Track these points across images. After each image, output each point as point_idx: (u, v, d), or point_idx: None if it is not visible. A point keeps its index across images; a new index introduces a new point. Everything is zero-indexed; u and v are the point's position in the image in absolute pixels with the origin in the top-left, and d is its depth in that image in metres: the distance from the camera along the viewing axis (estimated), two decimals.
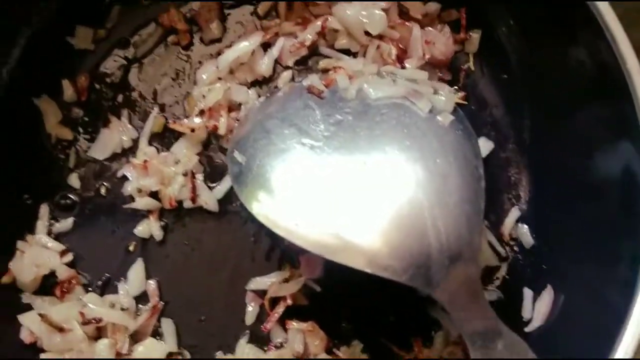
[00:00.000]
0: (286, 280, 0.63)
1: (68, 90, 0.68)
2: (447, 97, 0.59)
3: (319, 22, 0.70)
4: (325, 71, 0.68)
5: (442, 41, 0.70)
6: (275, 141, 0.59)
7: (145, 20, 0.71)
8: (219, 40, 0.72)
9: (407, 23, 0.70)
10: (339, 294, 0.64)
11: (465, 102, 0.60)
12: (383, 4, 0.68)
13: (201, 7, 0.72)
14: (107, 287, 0.65)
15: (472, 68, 0.71)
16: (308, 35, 0.70)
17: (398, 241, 0.53)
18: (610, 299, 0.53)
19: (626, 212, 0.53)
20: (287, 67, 0.71)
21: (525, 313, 0.62)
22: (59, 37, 0.68)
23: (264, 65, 0.70)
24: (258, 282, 0.63)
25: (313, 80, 0.63)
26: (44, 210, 0.66)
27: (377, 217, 0.53)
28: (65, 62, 0.69)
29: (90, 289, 0.65)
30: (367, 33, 0.69)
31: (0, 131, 0.65)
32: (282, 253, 0.65)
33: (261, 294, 0.63)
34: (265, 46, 0.71)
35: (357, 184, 0.55)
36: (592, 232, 0.58)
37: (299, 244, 0.54)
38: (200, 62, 0.71)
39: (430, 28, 0.70)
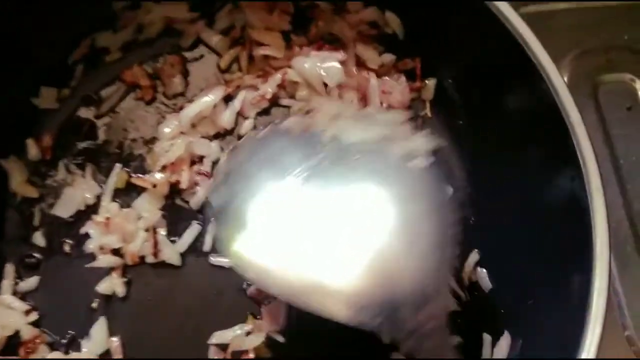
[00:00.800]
0: (249, 333, 0.64)
1: (32, 150, 0.70)
2: (422, 142, 0.59)
3: (279, 75, 0.72)
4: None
5: (398, 90, 0.72)
6: (252, 183, 0.59)
7: (108, 78, 0.73)
8: (182, 94, 0.74)
9: (363, 73, 0.72)
10: (302, 346, 0.65)
11: (445, 143, 0.61)
12: (340, 56, 0.71)
13: (164, 62, 0.74)
14: (71, 345, 0.65)
15: (429, 114, 0.73)
16: (269, 88, 0.72)
17: (368, 287, 0.53)
18: (565, 338, 0.54)
19: (576, 247, 0.54)
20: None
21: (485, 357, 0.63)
22: (23, 98, 0.70)
23: (226, 118, 0.72)
24: (220, 336, 0.64)
25: (292, 122, 0.64)
26: (9, 269, 0.67)
27: (349, 262, 0.54)
28: (30, 122, 0.70)
29: (55, 347, 0.65)
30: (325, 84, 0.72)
31: None
32: (245, 304, 0.66)
33: (224, 347, 0.64)
34: (227, 99, 0.73)
35: (332, 228, 0.56)
36: (546, 272, 0.59)
37: (271, 289, 0.55)
38: (163, 117, 0.73)
39: (386, 77, 0.73)
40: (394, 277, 0.53)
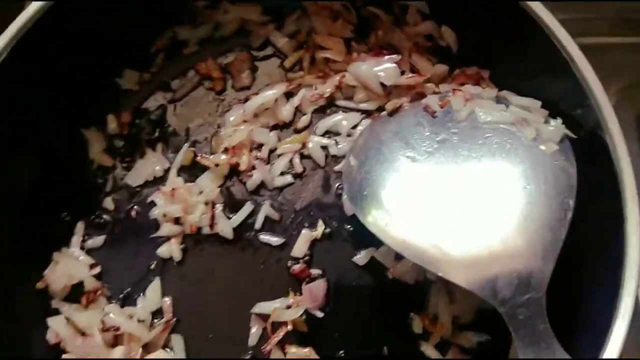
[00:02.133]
0: (289, 307, 0.68)
1: (112, 124, 0.78)
2: (555, 127, 0.63)
3: (337, 77, 0.79)
4: None
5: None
6: (384, 151, 0.68)
7: (185, 68, 0.81)
8: (248, 87, 0.81)
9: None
10: (338, 325, 0.69)
11: (575, 136, 0.63)
12: (395, 58, 0.76)
13: (235, 58, 0.82)
14: (127, 300, 0.71)
15: None
16: (327, 89, 0.79)
17: (484, 256, 0.57)
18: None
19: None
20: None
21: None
22: (109, 77, 0.79)
23: (285, 112, 0.78)
24: (262, 307, 0.69)
25: (430, 100, 0.71)
26: (80, 227, 0.74)
27: (471, 232, 0.59)
28: (112, 100, 0.79)
29: (112, 300, 0.71)
30: (383, 85, 0.77)
31: (51, 155, 0.74)
32: (288, 281, 0.70)
33: (265, 318, 0.68)
34: (288, 95, 0.80)
35: (451, 199, 0.62)
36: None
37: (404, 253, 0.61)
38: (230, 106, 0.80)
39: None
40: (506, 249, 0.57)
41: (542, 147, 0.62)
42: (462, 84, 0.74)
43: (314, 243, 0.72)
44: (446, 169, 0.64)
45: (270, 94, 0.78)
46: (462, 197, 0.61)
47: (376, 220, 0.63)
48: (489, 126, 0.65)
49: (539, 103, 0.67)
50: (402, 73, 0.77)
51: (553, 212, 0.58)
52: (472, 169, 0.63)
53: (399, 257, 0.69)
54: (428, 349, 0.68)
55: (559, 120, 0.64)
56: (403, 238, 0.61)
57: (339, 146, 0.77)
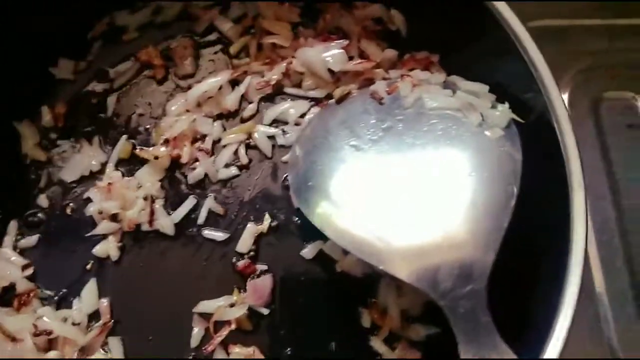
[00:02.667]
0: (232, 305, 0.66)
1: (46, 116, 0.74)
2: (502, 112, 0.61)
3: (284, 64, 0.75)
4: None
5: None
6: (330, 140, 0.65)
7: (124, 56, 0.77)
8: (191, 75, 0.77)
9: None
10: (285, 322, 0.66)
11: (523, 121, 0.61)
12: (343, 43, 0.73)
13: (177, 45, 0.78)
14: (63, 302, 0.67)
15: None
16: (273, 75, 0.75)
17: (427, 246, 0.55)
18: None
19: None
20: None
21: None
22: (42, 67, 0.74)
23: (230, 100, 0.75)
24: (205, 305, 0.66)
25: (378, 86, 0.68)
26: (12, 226, 0.70)
27: (408, 223, 0.57)
28: (46, 90, 0.74)
29: (46, 303, 0.67)
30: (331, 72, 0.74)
31: None
32: (233, 278, 0.68)
33: (208, 317, 0.65)
34: (234, 83, 0.76)
35: (394, 189, 0.59)
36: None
37: (348, 248, 0.59)
38: (172, 95, 0.76)
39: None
40: (448, 238, 0.55)
41: (488, 133, 0.60)
42: (412, 69, 0.72)
43: (260, 237, 0.69)
44: (390, 158, 0.62)
45: (214, 82, 0.75)
46: (406, 186, 0.59)
47: (320, 212, 0.61)
48: (435, 112, 0.63)
49: (486, 87, 0.65)
50: (351, 59, 0.74)
51: (496, 199, 0.56)
52: (416, 156, 0.61)
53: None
54: (377, 343, 0.66)
55: (506, 105, 0.62)
56: (346, 230, 0.59)
57: (287, 136, 0.74)
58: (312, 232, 0.67)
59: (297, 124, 0.74)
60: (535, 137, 0.60)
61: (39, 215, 0.71)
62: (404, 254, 0.55)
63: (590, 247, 0.83)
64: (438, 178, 0.59)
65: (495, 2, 0.62)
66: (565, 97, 0.93)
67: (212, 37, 0.79)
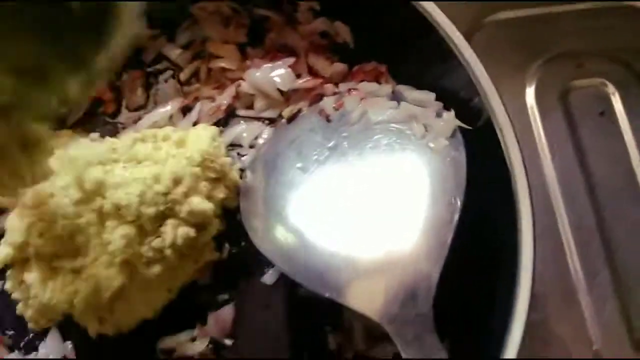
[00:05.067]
0: (194, 340, 0.65)
1: None
2: (446, 121, 0.60)
3: (233, 87, 0.75)
4: None
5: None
6: (278, 163, 0.65)
7: None
8: (143, 107, 0.77)
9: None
10: (249, 350, 0.65)
11: (470, 127, 0.59)
12: (289, 62, 0.72)
13: (126, 77, 0.78)
14: (30, 348, 0.67)
15: None
16: (224, 100, 0.75)
17: (375, 272, 0.54)
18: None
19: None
20: None
21: None
22: None
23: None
24: (167, 341, 0.65)
25: (325, 103, 0.67)
26: None
27: (352, 246, 0.56)
28: None
29: (14, 349, 0.67)
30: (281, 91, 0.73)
31: None
32: (194, 311, 0.67)
33: (171, 352, 0.65)
34: (185, 110, 0.75)
35: (337, 211, 0.59)
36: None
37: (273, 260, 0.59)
38: (124, 129, 0.76)
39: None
40: (390, 258, 0.53)
41: (431, 145, 0.59)
42: (361, 81, 0.70)
43: (220, 266, 0.69)
44: (335, 179, 0.61)
45: (164, 111, 0.74)
46: (350, 209, 0.58)
47: (266, 240, 0.60)
48: (380, 127, 0.62)
49: (433, 95, 0.63)
50: (299, 76, 0.73)
51: (439, 214, 0.55)
52: (361, 176, 0.60)
53: None
54: None
55: (452, 113, 0.61)
56: (291, 258, 0.58)
57: (243, 159, 0.73)
58: None
59: (252, 146, 0.73)
60: (482, 144, 0.58)
61: None
62: (349, 279, 0.54)
63: (570, 243, 0.81)
64: (382, 197, 0.58)
65: (428, 7, 0.60)
66: (532, 90, 0.91)
67: (161, 65, 0.78)
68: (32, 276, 0.63)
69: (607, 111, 0.88)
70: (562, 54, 0.92)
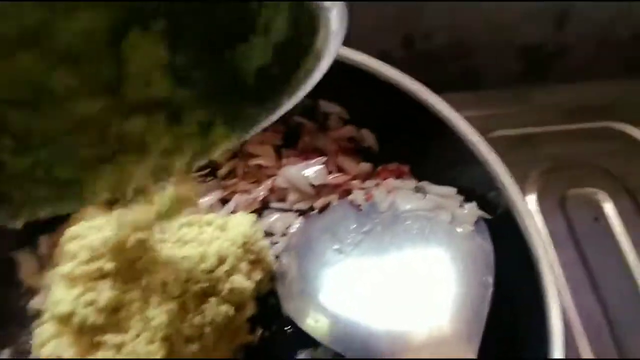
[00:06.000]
0: None
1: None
2: (470, 211, 0.68)
3: (269, 182, 0.82)
4: None
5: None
6: (313, 246, 0.70)
7: None
8: None
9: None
10: None
11: (490, 216, 0.67)
12: (322, 160, 0.81)
13: None
14: None
15: None
16: (260, 193, 0.82)
17: (404, 346, 0.57)
18: None
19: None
20: None
21: None
22: None
23: None
24: None
25: (356, 195, 0.74)
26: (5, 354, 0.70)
27: (393, 323, 0.59)
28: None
29: None
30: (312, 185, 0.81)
31: None
32: None
33: None
34: (224, 201, 0.82)
35: (376, 288, 0.62)
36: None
37: (316, 335, 0.62)
38: None
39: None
40: (431, 335, 0.56)
41: (459, 230, 0.65)
42: (385, 179, 0.79)
43: (251, 348, 0.70)
44: (372, 258, 0.65)
45: (204, 201, 0.81)
46: (388, 285, 0.62)
47: (308, 317, 0.63)
48: (409, 214, 0.68)
49: (454, 190, 0.71)
50: (329, 173, 0.81)
51: (474, 291, 0.59)
52: (396, 255, 0.65)
53: None
54: None
55: (474, 204, 0.68)
56: (335, 332, 0.60)
57: (275, 246, 0.78)
58: (304, 340, 0.68)
59: (284, 235, 0.79)
60: (503, 230, 0.65)
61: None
62: (393, 354, 0.57)
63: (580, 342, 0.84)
64: (417, 275, 0.62)
65: (452, 119, 0.70)
66: (534, 196, 1.00)
67: (202, 162, 0.86)
68: (70, 352, 0.64)
69: (601, 216, 0.97)
70: (558, 166, 1.03)
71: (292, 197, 0.82)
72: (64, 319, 0.63)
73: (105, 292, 0.63)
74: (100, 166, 0.40)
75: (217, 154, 0.42)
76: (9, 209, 0.36)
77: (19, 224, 0.42)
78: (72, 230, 0.68)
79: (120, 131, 0.40)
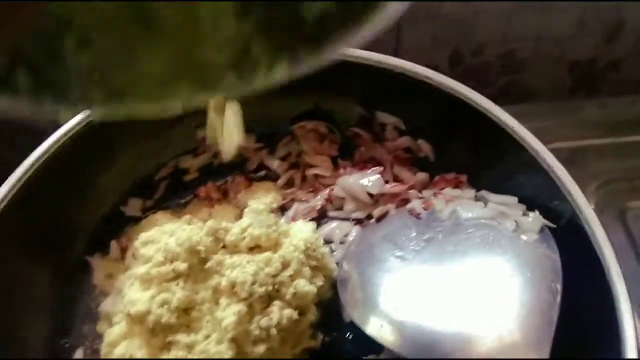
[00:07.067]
0: None
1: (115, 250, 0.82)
2: (534, 218, 0.68)
3: (326, 191, 0.85)
4: None
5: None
6: (375, 253, 0.71)
7: (185, 192, 0.88)
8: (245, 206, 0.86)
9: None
10: None
11: (555, 225, 0.66)
12: (378, 170, 0.83)
13: (232, 180, 0.89)
14: None
15: None
16: (318, 202, 0.84)
17: (475, 352, 0.57)
18: None
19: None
20: None
21: None
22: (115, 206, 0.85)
23: None
24: None
25: (414, 204, 0.75)
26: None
27: (461, 329, 0.59)
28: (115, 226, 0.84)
29: None
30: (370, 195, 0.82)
31: None
32: None
33: None
34: (283, 209, 0.85)
35: (440, 294, 0.63)
36: None
37: (382, 340, 0.62)
38: None
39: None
40: (502, 341, 0.56)
41: (524, 237, 0.65)
42: (443, 188, 0.79)
43: (313, 353, 0.71)
44: (435, 265, 0.66)
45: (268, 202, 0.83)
46: (453, 292, 0.63)
47: (373, 322, 0.64)
48: (471, 222, 0.69)
49: (515, 199, 0.71)
50: (386, 182, 0.82)
51: (542, 296, 0.59)
52: (459, 263, 0.65)
53: None
54: None
55: (537, 212, 0.68)
56: (402, 338, 0.61)
57: (334, 253, 0.80)
58: (365, 345, 0.69)
59: (342, 242, 0.80)
60: (569, 238, 0.65)
61: None
62: (460, 355, 0.57)
63: None
64: (483, 282, 0.62)
65: (515, 127, 0.71)
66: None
67: (262, 173, 0.89)
68: (141, 352, 0.67)
69: None
70: (613, 180, 1.02)
71: (349, 206, 0.83)
72: (139, 318, 0.66)
73: (178, 293, 0.66)
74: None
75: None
76: (66, 104, 0.39)
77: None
78: (145, 235, 0.71)
79: None
